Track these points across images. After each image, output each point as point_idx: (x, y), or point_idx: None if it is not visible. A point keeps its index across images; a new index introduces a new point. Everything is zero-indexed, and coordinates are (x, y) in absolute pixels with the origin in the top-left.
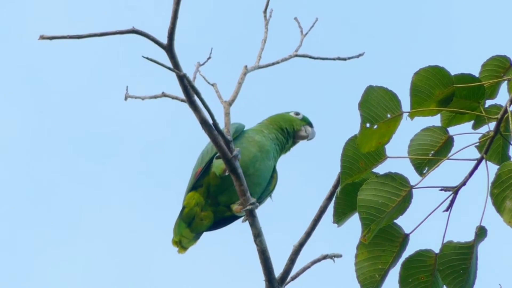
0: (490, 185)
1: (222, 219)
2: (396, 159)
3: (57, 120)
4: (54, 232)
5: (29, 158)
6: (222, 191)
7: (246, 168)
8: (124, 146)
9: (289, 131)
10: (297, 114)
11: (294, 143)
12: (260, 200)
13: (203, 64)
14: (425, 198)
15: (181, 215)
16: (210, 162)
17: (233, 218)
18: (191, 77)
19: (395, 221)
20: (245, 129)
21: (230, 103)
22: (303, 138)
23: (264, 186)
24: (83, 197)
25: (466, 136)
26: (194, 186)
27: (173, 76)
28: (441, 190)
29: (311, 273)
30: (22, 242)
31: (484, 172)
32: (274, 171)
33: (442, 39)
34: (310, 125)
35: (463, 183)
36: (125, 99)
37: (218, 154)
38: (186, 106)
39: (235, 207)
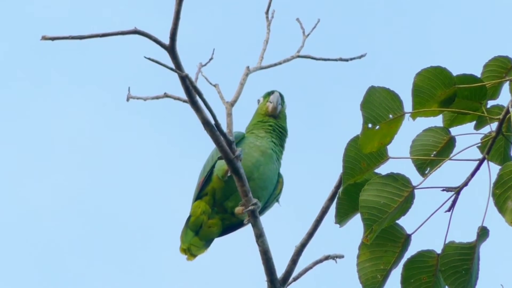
0: (492, 185)
1: (233, 225)
2: (398, 159)
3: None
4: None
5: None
6: (228, 197)
7: (251, 173)
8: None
9: (265, 121)
10: (259, 101)
11: (279, 122)
12: (267, 204)
13: (205, 64)
14: (427, 199)
15: (188, 224)
16: (211, 172)
17: (243, 223)
18: (193, 78)
19: (397, 221)
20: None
21: (232, 104)
22: (273, 112)
23: (271, 190)
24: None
25: (468, 137)
26: (199, 196)
27: (175, 76)
28: (443, 190)
29: (313, 274)
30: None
31: (486, 172)
32: (279, 175)
33: (444, 39)
34: (271, 94)
35: (465, 184)
36: (127, 99)
37: (220, 156)
38: (188, 107)
39: (237, 208)
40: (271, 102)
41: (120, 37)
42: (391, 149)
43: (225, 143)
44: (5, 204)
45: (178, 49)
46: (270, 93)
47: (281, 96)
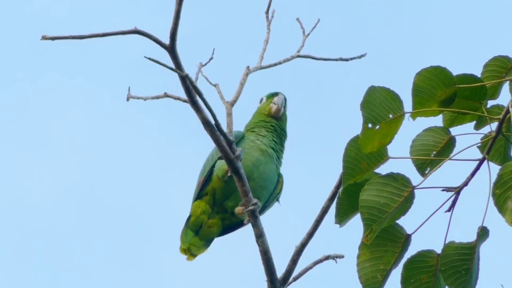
0: (492, 185)
1: (233, 224)
2: (398, 159)
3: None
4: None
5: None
6: (228, 196)
7: (251, 172)
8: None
9: (267, 121)
10: (261, 100)
11: (279, 123)
12: (268, 204)
13: (205, 64)
14: (427, 199)
15: (188, 224)
16: (211, 172)
17: (243, 223)
18: (193, 78)
19: (397, 221)
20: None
21: (232, 104)
22: (276, 113)
23: (271, 190)
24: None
25: (468, 137)
26: (199, 196)
27: (175, 76)
28: (443, 190)
29: (313, 274)
30: None
31: (486, 172)
32: (279, 175)
33: (444, 39)
34: (275, 95)
35: (465, 184)
36: (127, 99)
37: (220, 155)
38: (188, 107)
39: (237, 208)
40: (275, 104)
41: (120, 37)
42: (391, 149)
43: (225, 143)
44: (5, 202)
45: (178, 49)
46: (274, 94)
47: (285, 98)
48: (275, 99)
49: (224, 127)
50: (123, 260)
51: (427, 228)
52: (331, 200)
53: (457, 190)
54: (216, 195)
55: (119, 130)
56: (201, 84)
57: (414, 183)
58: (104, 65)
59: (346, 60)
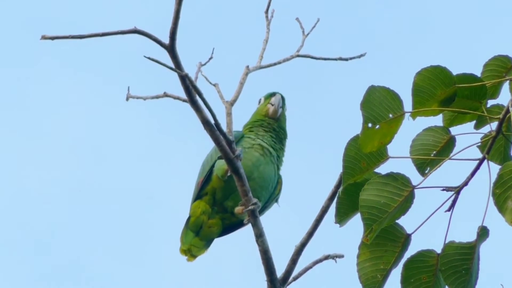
0: (492, 185)
1: (233, 224)
2: (398, 159)
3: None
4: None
5: None
6: (228, 196)
7: (250, 172)
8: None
9: (265, 122)
10: (259, 101)
11: (278, 123)
12: (267, 204)
13: (205, 64)
14: (427, 198)
15: (188, 225)
16: (211, 172)
17: (243, 223)
18: (193, 77)
19: (397, 221)
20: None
21: (232, 103)
22: (274, 115)
23: (271, 190)
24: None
25: (468, 136)
26: (199, 196)
27: (175, 76)
28: (443, 190)
29: (313, 274)
30: None
31: (486, 172)
32: (279, 176)
33: (444, 39)
34: (272, 95)
35: (465, 183)
36: (127, 99)
37: (220, 155)
38: (188, 106)
39: (237, 208)
40: (272, 105)
41: (120, 37)
42: (391, 148)
43: (225, 142)
44: (4, 200)
45: (178, 48)
46: (272, 94)
47: (283, 98)
48: (272, 99)
49: (223, 126)
50: (123, 260)
51: (427, 228)
52: (331, 199)
53: (457, 190)
54: (216, 195)
55: (119, 130)
56: (200, 84)
57: (414, 182)
58: (104, 65)
59: (346, 59)
